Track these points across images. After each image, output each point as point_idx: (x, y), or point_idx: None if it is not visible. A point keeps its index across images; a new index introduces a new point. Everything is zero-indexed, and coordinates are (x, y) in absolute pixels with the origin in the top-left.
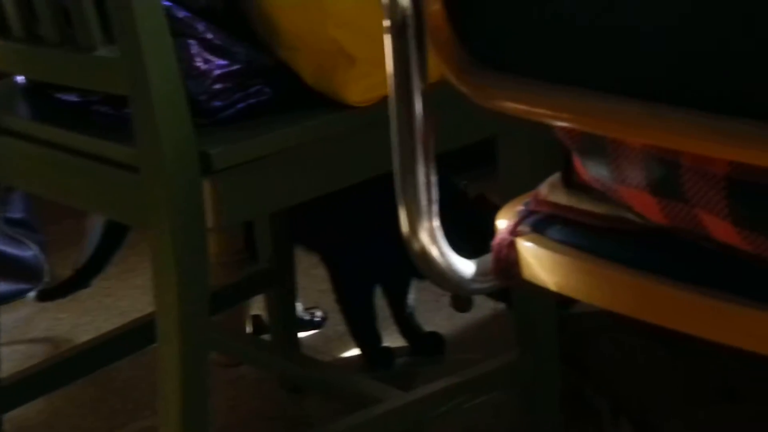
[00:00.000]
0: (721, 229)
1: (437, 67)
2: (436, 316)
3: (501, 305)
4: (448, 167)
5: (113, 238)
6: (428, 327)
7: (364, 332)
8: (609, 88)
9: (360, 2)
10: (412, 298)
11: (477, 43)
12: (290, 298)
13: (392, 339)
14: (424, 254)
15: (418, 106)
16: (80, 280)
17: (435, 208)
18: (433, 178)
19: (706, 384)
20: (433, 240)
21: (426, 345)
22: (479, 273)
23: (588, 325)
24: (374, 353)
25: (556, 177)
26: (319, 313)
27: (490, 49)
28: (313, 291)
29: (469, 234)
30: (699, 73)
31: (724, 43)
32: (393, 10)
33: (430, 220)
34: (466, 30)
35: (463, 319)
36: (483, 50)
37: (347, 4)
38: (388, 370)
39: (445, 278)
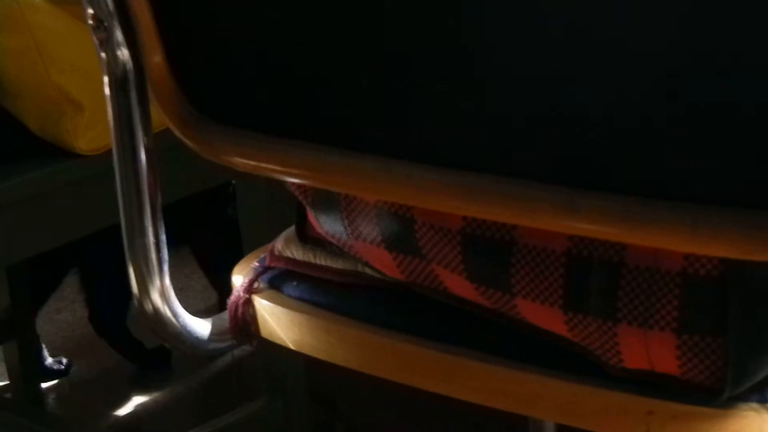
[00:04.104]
0: (457, 284)
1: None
2: None
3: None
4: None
5: None
6: None
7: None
8: (341, 142)
9: (83, 46)
10: None
11: (203, 96)
12: (30, 349)
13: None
14: (157, 315)
15: (143, 161)
16: None
17: (165, 266)
18: (162, 236)
19: (456, 417)
20: (165, 300)
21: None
22: (216, 332)
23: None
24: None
25: (290, 231)
26: (65, 360)
27: (217, 102)
28: (58, 337)
29: None
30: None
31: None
32: (112, 62)
33: (161, 279)
34: (191, 83)
35: None
36: (209, 103)
37: (69, 48)
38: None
39: (180, 340)
